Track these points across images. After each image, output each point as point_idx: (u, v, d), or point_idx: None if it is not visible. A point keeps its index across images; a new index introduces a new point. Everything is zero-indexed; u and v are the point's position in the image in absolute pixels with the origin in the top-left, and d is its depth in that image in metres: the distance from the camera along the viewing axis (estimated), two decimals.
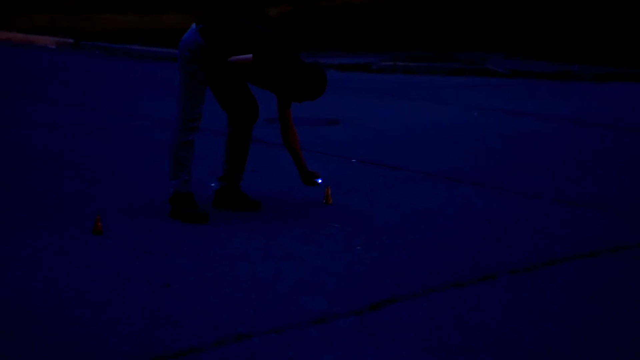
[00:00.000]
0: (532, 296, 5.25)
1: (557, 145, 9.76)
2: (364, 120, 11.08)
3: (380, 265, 5.72)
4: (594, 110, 12.20)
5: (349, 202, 7.17)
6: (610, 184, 8.03)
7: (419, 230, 6.50)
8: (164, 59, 16.82)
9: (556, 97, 13.33)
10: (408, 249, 6.06)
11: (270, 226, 6.50)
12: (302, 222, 6.61)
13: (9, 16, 22.36)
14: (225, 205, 6.88)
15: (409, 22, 19.75)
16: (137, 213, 6.71)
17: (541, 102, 12.68)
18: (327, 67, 15.98)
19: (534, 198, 7.44)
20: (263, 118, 10.74)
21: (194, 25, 6.58)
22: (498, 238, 6.35)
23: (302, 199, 7.18)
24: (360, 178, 8.00)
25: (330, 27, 19.46)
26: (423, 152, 9.21)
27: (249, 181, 7.35)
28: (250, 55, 6.44)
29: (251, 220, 6.65)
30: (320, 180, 6.97)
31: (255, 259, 5.78)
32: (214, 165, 7.38)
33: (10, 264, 5.59)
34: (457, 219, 6.78)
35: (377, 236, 6.31)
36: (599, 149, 9.63)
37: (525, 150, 9.46)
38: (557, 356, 4.51)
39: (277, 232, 6.35)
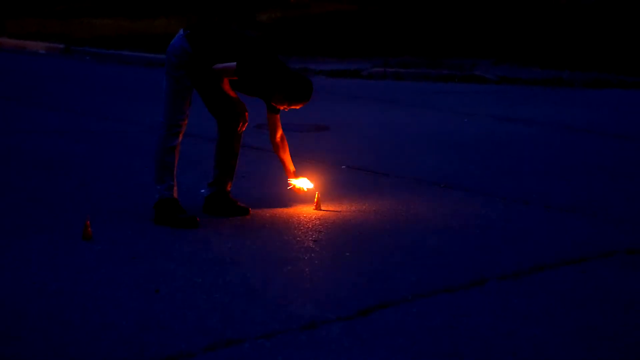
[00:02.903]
0: (522, 302, 5.26)
1: (547, 151, 9.78)
2: (354, 126, 11.09)
3: (370, 271, 5.73)
4: (583, 116, 12.23)
5: (339, 208, 7.17)
6: (600, 189, 8.05)
7: (409, 236, 6.51)
8: (155, 64, 16.82)
9: (546, 104, 13.35)
10: (397, 254, 6.07)
11: (260, 232, 6.50)
12: (291, 228, 6.61)
13: (0, 21, 22.32)
14: (215, 211, 6.89)
15: (399, 28, 19.78)
16: (127, 218, 6.71)
17: (531, 109, 12.70)
18: (317, 73, 16.00)
19: (524, 204, 7.45)
20: (253, 124, 10.75)
21: (181, 31, 6.60)
22: (487, 244, 6.36)
23: (292, 205, 7.19)
24: (350, 184, 8.01)
25: (321, 33, 19.48)
26: (413, 158, 9.23)
27: (239, 187, 7.35)
28: (234, 63, 6.46)
29: (241, 225, 6.66)
30: (308, 187, 7.01)
31: (245, 264, 5.79)
32: (205, 171, 7.38)
33: (1, 268, 5.59)
34: (446, 225, 6.79)
35: (366, 242, 6.32)
36: (588, 155, 9.65)
37: (515, 156, 9.48)
38: None
39: (267, 238, 6.36)
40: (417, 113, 12.38)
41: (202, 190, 7.06)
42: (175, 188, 6.64)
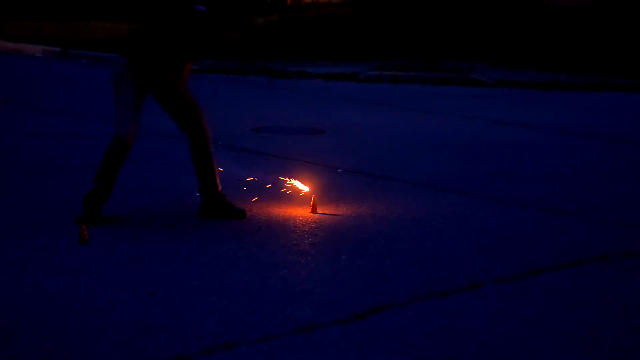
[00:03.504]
0: (519, 305, 5.26)
1: (544, 155, 9.78)
2: (350, 130, 11.09)
3: (367, 274, 5.73)
4: (580, 119, 12.25)
5: (335, 211, 7.17)
6: (597, 192, 8.05)
7: (405, 239, 6.51)
8: None
9: (542, 107, 13.37)
10: (394, 258, 6.07)
11: (257, 235, 6.50)
12: (288, 231, 6.61)
13: None
14: (212, 215, 6.88)
15: (396, 31, 19.80)
16: (123, 221, 6.70)
17: (528, 112, 12.72)
18: (313, 76, 16.03)
19: (521, 207, 7.46)
20: (249, 127, 10.77)
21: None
22: (485, 247, 6.36)
23: (288, 208, 7.19)
24: (346, 187, 8.01)
25: (317, 37, 19.50)
26: (410, 162, 9.23)
27: (235, 190, 7.35)
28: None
29: (237, 229, 6.65)
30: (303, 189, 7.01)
31: (242, 267, 5.78)
32: None
33: None
34: (443, 228, 6.79)
35: (363, 245, 6.32)
36: (585, 158, 9.66)
37: (512, 159, 9.48)
38: None
39: (264, 241, 6.35)
40: (414, 116, 12.38)
41: (198, 194, 7.05)
42: (109, 188, 6.76)
